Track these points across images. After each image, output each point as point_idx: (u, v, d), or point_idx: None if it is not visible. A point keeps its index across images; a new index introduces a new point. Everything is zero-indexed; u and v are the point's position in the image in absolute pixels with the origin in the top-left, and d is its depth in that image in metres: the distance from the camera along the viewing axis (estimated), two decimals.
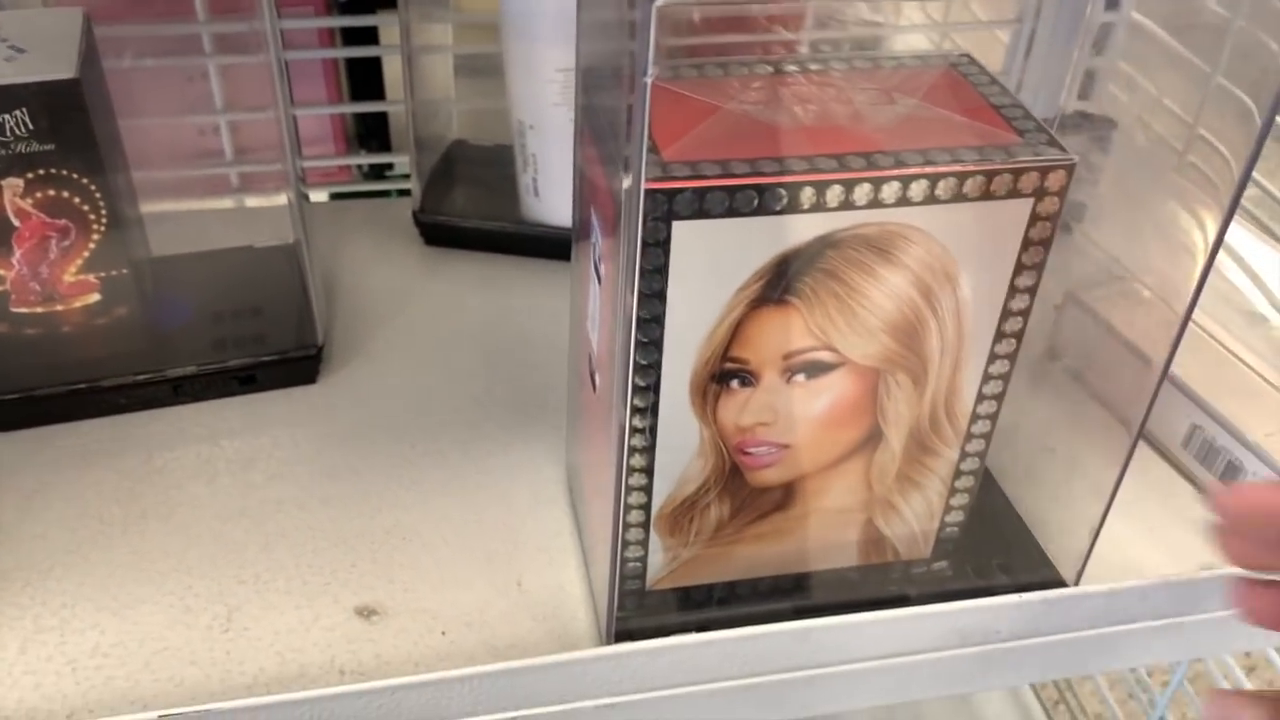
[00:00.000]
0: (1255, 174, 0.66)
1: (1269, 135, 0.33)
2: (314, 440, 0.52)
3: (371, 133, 0.75)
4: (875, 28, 0.54)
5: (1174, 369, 0.49)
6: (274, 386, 0.54)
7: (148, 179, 0.57)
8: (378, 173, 0.75)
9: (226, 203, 0.67)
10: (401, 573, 0.46)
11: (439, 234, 0.64)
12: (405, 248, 0.65)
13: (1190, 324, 0.52)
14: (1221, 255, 0.59)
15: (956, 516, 0.43)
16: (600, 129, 0.35)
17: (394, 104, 0.69)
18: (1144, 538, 0.48)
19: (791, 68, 0.38)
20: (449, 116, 0.70)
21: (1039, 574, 0.45)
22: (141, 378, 0.52)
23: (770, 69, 0.38)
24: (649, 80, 0.28)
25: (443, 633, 0.43)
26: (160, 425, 0.52)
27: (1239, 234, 0.62)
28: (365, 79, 0.73)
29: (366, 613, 0.44)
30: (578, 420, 0.46)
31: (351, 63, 0.73)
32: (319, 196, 0.74)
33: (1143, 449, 0.53)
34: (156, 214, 0.59)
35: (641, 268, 0.33)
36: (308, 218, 0.58)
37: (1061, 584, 0.44)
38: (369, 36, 0.70)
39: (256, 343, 0.54)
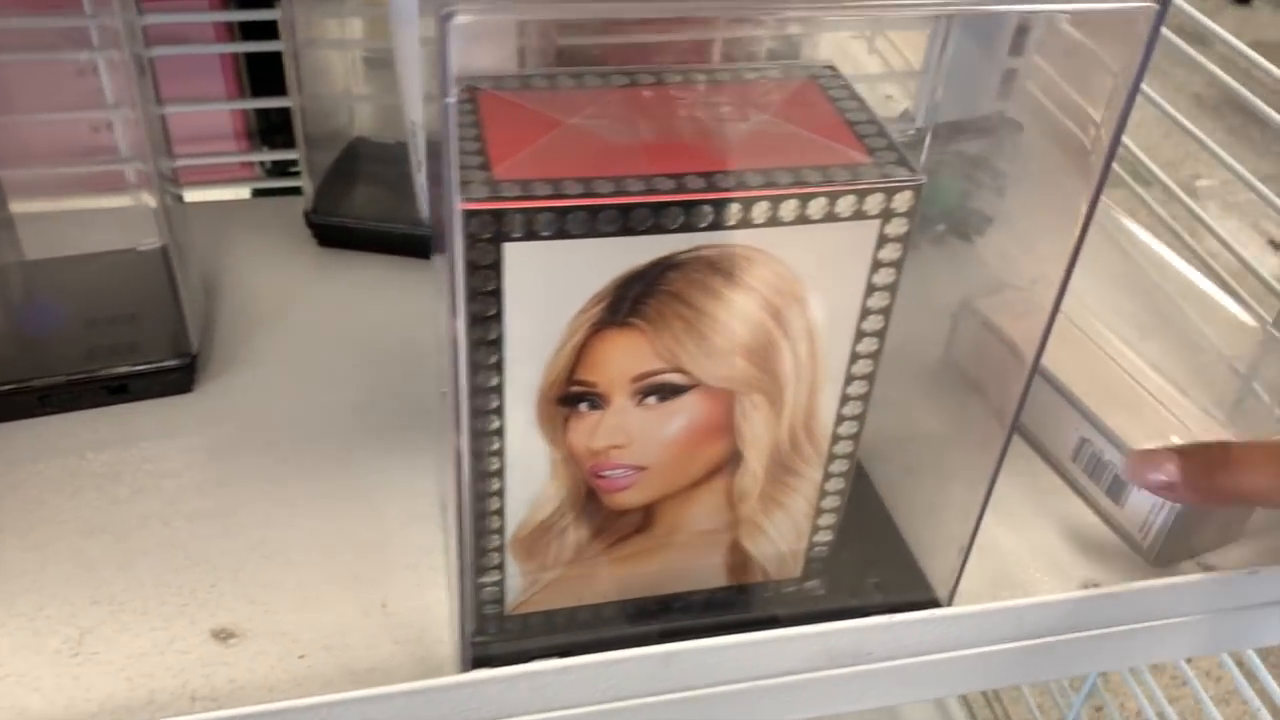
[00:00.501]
0: (1173, 186, 0.65)
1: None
2: (185, 453, 0.50)
3: (275, 129, 0.73)
4: (786, 29, 0.53)
5: (1066, 383, 0.49)
6: (147, 396, 0.52)
7: (21, 178, 0.55)
8: (281, 169, 0.73)
9: (123, 201, 0.65)
10: (263, 593, 0.44)
11: (332, 235, 0.62)
12: (297, 250, 0.63)
13: (1087, 338, 0.51)
14: (1125, 267, 0.58)
15: (825, 536, 0.42)
16: (431, 145, 0.34)
17: (278, 100, 0.67)
18: (1031, 553, 0.48)
19: (649, 79, 0.37)
20: (350, 112, 0.68)
21: (914, 593, 0.44)
22: (6, 388, 0.50)
23: (627, 80, 0.37)
24: (451, 102, 0.26)
25: (301, 656, 0.42)
26: (25, 437, 0.51)
27: (1142, 242, 0.62)
28: (266, 74, 0.71)
29: (224, 635, 0.43)
30: (440, 437, 0.44)
31: (252, 57, 0.71)
32: (220, 195, 0.72)
33: (1037, 462, 0.53)
34: (33, 214, 0.57)
35: (474, 290, 0.32)
36: (186, 219, 0.56)
37: (935, 603, 0.44)
38: (270, 30, 0.68)
39: (129, 351, 0.52)
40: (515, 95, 0.35)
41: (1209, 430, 0.47)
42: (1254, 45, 0.55)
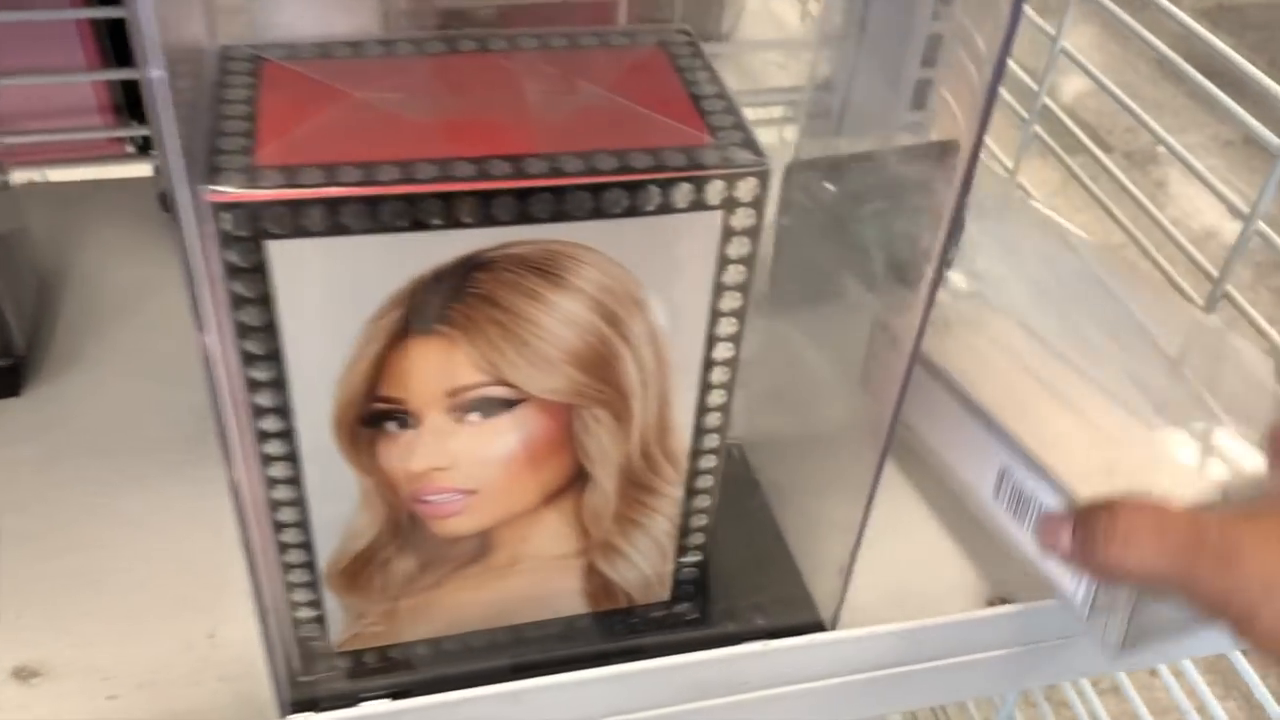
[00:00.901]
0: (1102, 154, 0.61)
1: None
2: (4, 466, 0.45)
3: (140, 102, 0.67)
4: None
5: (990, 406, 0.42)
6: None
7: None
8: (149, 146, 0.67)
9: None
10: (78, 624, 0.40)
11: None
12: (154, 236, 0.58)
13: (1018, 358, 0.44)
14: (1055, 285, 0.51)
15: (694, 557, 0.38)
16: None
17: (125, 72, 0.62)
18: (936, 571, 0.44)
19: (471, 45, 0.32)
20: None
21: (797, 617, 0.40)
22: None
23: (445, 47, 0.32)
24: (157, 76, 0.22)
25: (111, 697, 0.38)
26: None
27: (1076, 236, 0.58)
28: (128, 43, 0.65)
29: (25, 674, 0.38)
30: None
31: (115, 25, 0.65)
32: (88, 174, 0.67)
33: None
34: None
35: (239, 297, 0.27)
36: (16, 203, 0.51)
37: (819, 627, 0.40)
38: None
39: None
40: (307, 66, 0.30)
41: (1146, 449, 0.39)
42: (1217, 6, 0.51)
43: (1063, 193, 0.60)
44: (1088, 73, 0.58)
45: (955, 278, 0.46)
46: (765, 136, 0.42)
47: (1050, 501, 0.38)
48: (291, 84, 0.29)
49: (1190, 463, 0.39)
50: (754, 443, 0.46)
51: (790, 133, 0.60)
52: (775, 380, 0.44)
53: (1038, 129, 0.61)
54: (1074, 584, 0.38)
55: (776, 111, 0.69)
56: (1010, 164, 0.63)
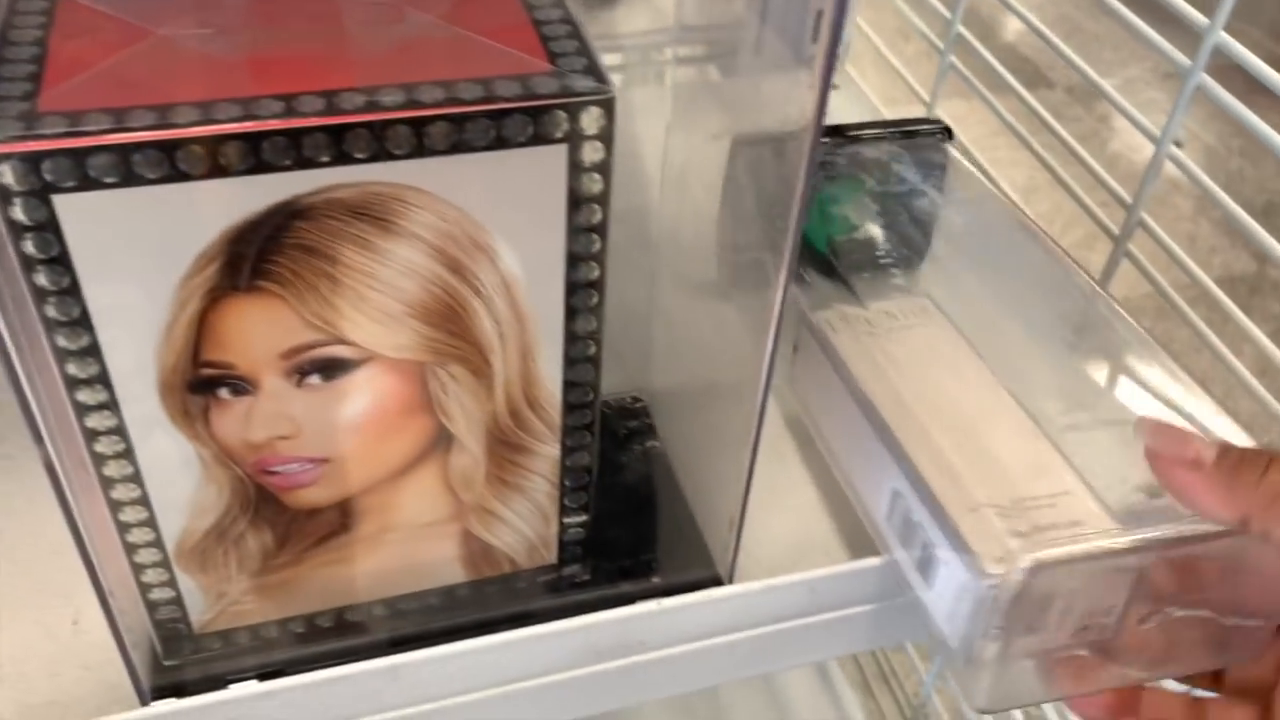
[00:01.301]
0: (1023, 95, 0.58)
1: None
2: None
3: None
4: None
5: (892, 421, 0.36)
6: None
7: None
8: None
9: None
10: None
11: None
12: None
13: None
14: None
15: (579, 516, 0.36)
16: None
17: None
18: (825, 525, 0.42)
19: None
20: None
21: (693, 573, 0.38)
22: None
23: None
24: None
25: None
26: None
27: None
28: None
29: None
30: None
31: None
32: None
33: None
34: None
35: (30, 259, 0.25)
36: None
37: (716, 582, 0.38)
38: None
39: None
40: (107, 2, 0.28)
41: (1048, 481, 0.34)
42: None
43: (1004, 132, 0.57)
44: (1006, 5, 0.56)
45: (899, 279, 0.42)
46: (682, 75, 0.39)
47: (935, 538, 0.33)
48: (88, 22, 0.27)
49: (1092, 506, 0.33)
50: (656, 396, 0.45)
51: (713, 71, 0.58)
52: (679, 335, 0.42)
53: (955, 61, 0.58)
54: (951, 628, 0.33)
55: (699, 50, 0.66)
56: (928, 97, 0.61)
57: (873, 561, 0.38)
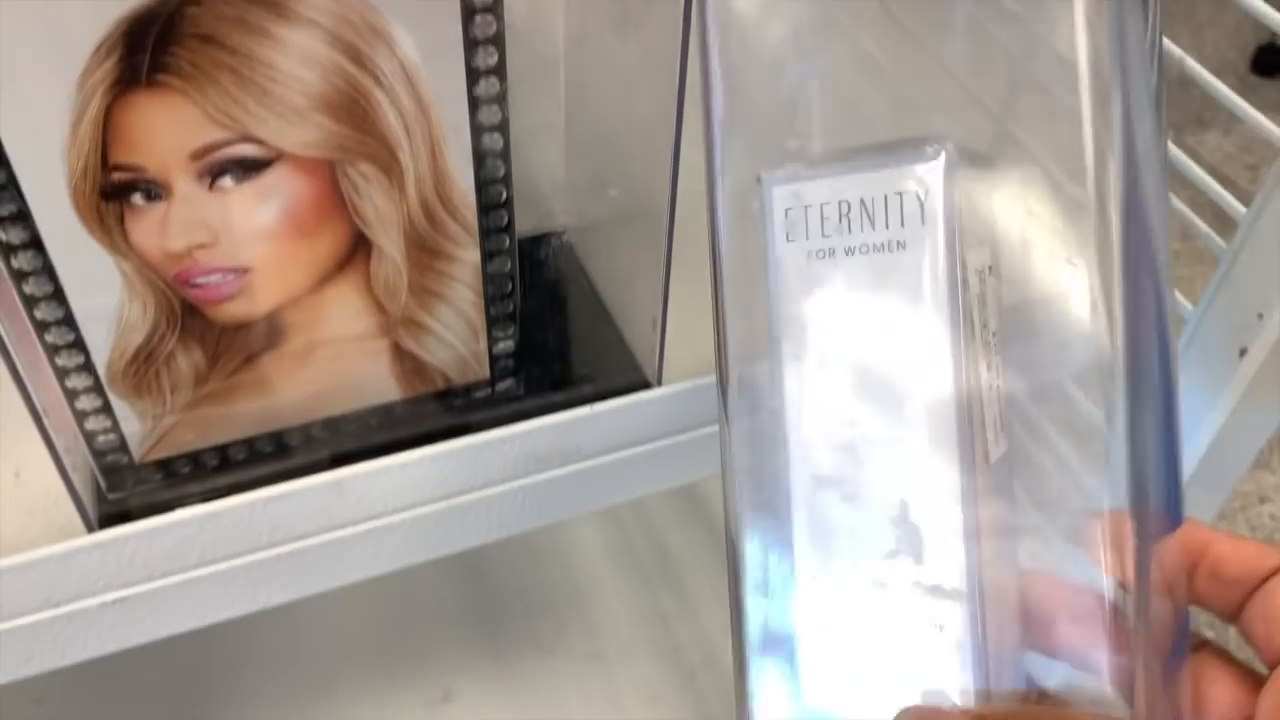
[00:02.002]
0: None
1: None
2: None
3: None
4: None
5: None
6: None
7: None
8: None
9: None
10: None
11: None
12: None
13: None
14: None
15: (507, 328, 0.37)
16: None
17: None
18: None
19: None
20: None
21: (623, 379, 0.40)
22: None
23: None
24: None
25: None
26: None
27: None
28: None
29: None
30: None
31: None
32: None
33: None
34: None
35: None
36: None
37: (647, 386, 0.39)
38: None
39: None
40: None
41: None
42: None
43: None
44: None
45: None
46: None
47: None
48: None
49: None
50: (579, 229, 0.45)
51: None
52: (593, 159, 0.43)
53: None
54: None
55: None
56: None
57: None
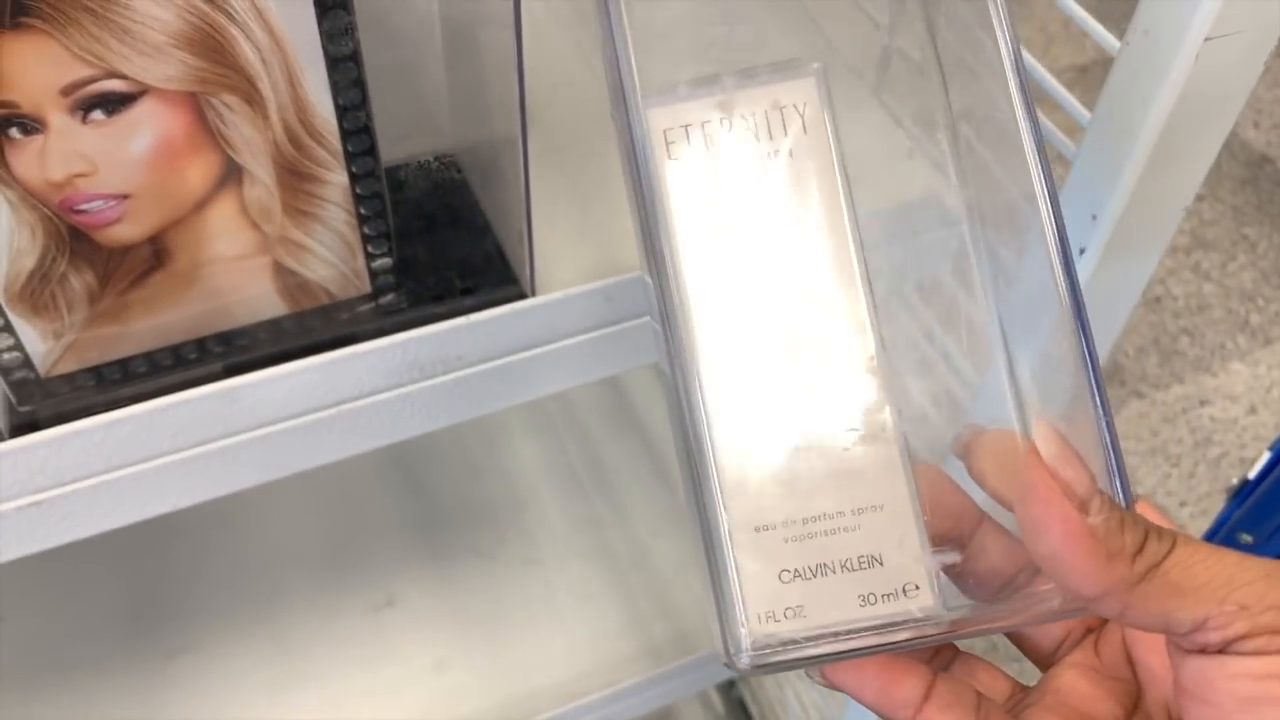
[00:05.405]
0: None
1: None
2: None
3: None
4: None
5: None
6: None
7: None
8: None
9: None
10: None
11: None
12: None
13: None
14: None
15: (382, 245, 0.40)
16: None
17: None
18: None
19: None
20: None
21: (501, 290, 0.43)
22: None
23: None
24: None
25: None
26: None
27: None
28: None
29: None
30: None
31: None
32: None
33: None
34: None
35: None
36: None
37: (522, 297, 0.42)
38: None
39: None
40: None
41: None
42: None
43: None
44: None
45: None
46: None
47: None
48: None
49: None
50: (464, 153, 0.48)
51: None
52: (471, 94, 0.45)
53: None
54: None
55: None
56: None
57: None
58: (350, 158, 0.37)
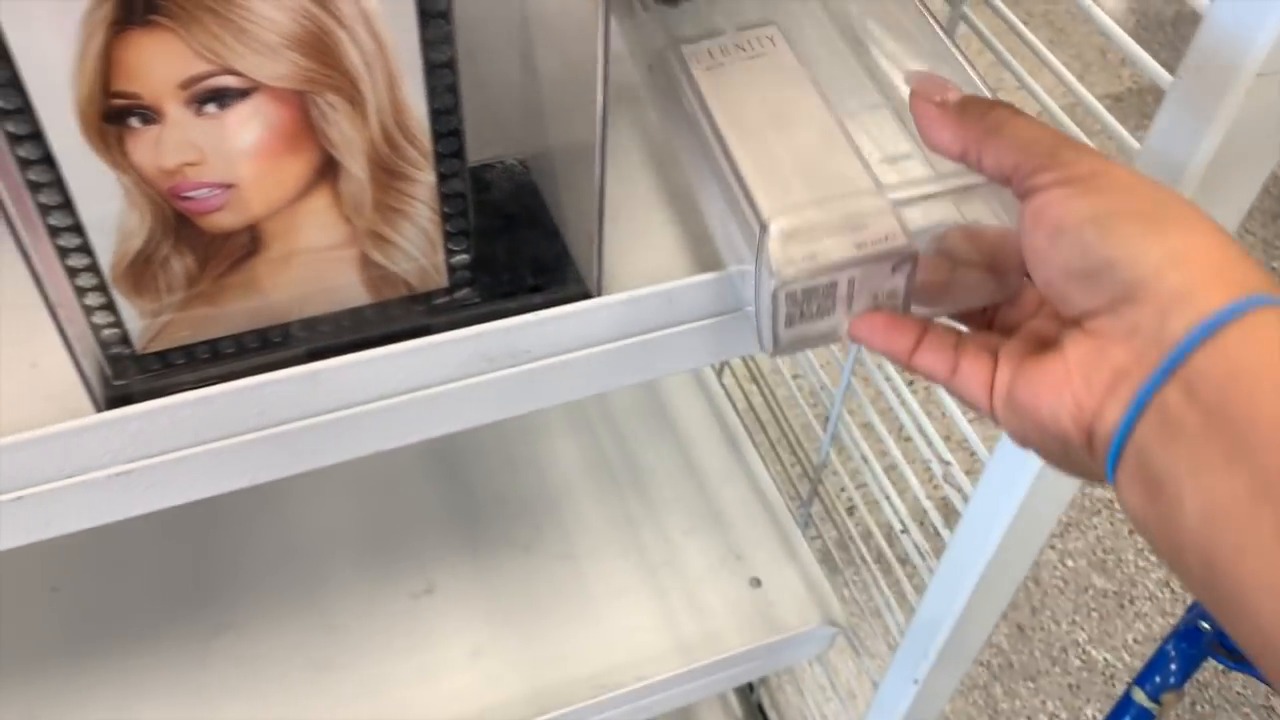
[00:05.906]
0: None
1: None
2: None
3: None
4: None
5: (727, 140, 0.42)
6: None
7: None
8: None
9: None
10: None
11: None
12: None
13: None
14: None
15: (462, 242, 0.42)
16: None
17: None
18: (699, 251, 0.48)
19: None
20: None
21: (568, 289, 0.45)
22: None
23: None
24: None
25: None
26: None
27: None
28: None
29: None
30: None
31: None
32: None
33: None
34: None
35: None
36: None
37: (587, 297, 0.44)
38: None
39: None
40: None
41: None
42: None
43: None
44: None
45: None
46: None
47: (745, 252, 0.40)
48: None
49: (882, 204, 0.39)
50: (535, 156, 0.50)
51: None
52: (544, 101, 0.47)
53: None
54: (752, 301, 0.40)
55: None
56: None
57: (713, 275, 0.44)
58: (439, 159, 0.39)
